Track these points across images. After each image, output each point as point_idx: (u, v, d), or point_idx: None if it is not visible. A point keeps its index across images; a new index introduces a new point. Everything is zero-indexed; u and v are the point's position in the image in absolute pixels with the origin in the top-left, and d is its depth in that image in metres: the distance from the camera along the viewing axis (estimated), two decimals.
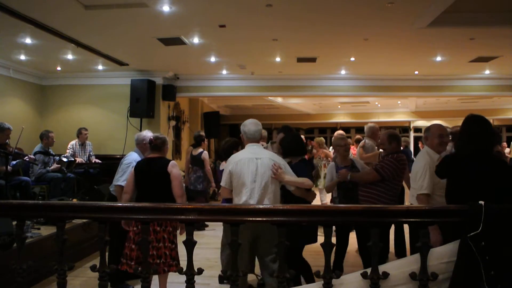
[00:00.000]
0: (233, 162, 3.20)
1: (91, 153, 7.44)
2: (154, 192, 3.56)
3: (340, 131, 7.46)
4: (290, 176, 3.19)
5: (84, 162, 7.20)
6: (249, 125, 3.30)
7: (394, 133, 4.06)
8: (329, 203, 7.03)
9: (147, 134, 4.17)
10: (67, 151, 7.18)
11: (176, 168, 3.64)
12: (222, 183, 3.26)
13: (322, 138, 8.04)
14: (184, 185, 7.38)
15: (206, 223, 6.93)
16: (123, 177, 4.01)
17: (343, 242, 4.16)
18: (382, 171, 3.82)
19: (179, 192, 3.58)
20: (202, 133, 7.30)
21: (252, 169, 3.12)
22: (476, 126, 2.59)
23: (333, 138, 7.23)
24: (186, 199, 7.29)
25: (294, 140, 3.73)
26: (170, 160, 3.72)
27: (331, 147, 7.70)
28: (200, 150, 6.88)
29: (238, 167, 3.15)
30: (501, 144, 10.98)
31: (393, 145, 3.96)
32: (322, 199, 7.72)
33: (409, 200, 3.85)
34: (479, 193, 2.30)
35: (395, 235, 4.93)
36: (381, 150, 4.70)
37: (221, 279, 4.32)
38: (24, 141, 6.89)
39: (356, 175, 3.99)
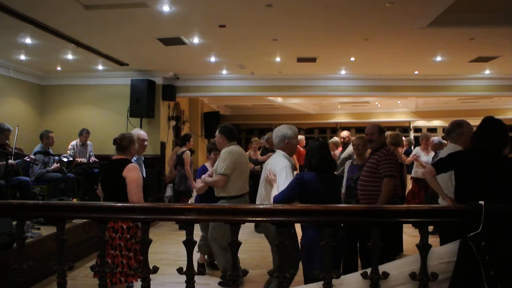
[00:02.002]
0: None
1: (91, 153, 7.44)
2: (111, 196, 3.31)
3: (346, 132, 7.33)
4: (274, 187, 3.15)
5: (85, 162, 7.21)
6: (273, 132, 3.54)
7: (382, 126, 4.07)
8: None
9: (137, 132, 4.01)
10: (68, 151, 7.18)
11: (133, 172, 3.22)
12: None
13: (336, 139, 7.33)
14: (170, 185, 7.32)
15: None
16: None
17: (351, 243, 4.15)
18: (393, 172, 3.75)
19: (133, 197, 3.16)
20: (189, 133, 7.31)
21: (261, 177, 3.45)
22: (483, 127, 2.62)
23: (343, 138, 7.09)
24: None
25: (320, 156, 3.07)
26: (129, 163, 3.31)
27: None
28: (183, 149, 6.89)
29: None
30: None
31: (381, 137, 3.96)
32: None
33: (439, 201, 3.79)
34: (485, 191, 2.30)
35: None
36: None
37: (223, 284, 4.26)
38: (24, 141, 6.89)
39: (381, 199, 3.72)
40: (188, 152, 6.91)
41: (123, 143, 3.34)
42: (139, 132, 4.07)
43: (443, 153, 3.48)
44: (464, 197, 2.48)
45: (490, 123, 2.65)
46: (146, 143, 4.21)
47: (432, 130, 16.88)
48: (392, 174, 3.73)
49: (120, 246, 3.10)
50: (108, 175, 3.40)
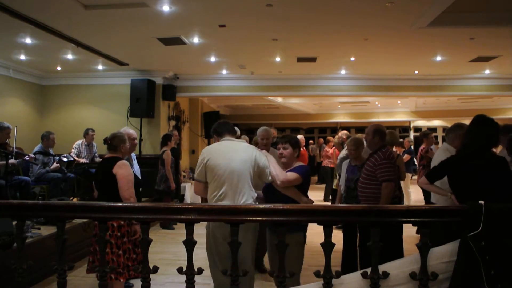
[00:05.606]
0: None
1: (95, 154, 7.37)
2: (103, 194, 3.33)
3: (345, 131, 7.34)
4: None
5: (86, 162, 7.16)
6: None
7: (380, 128, 3.95)
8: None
9: (126, 131, 3.95)
10: (72, 150, 7.14)
11: (123, 168, 3.23)
12: None
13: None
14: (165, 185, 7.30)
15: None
16: None
17: (351, 243, 4.15)
18: (390, 176, 3.71)
19: (124, 194, 3.18)
20: (170, 133, 7.33)
21: None
22: (474, 125, 2.63)
23: (338, 138, 7.10)
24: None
25: None
26: (119, 160, 3.31)
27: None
28: (164, 149, 6.87)
29: None
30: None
31: (376, 139, 3.86)
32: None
33: (432, 199, 3.81)
34: (479, 191, 2.31)
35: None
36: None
37: None
38: (24, 141, 6.89)
39: (382, 202, 3.70)
40: (169, 151, 6.87)
41: (114, 142, 3.36)
42: (128, 131, 4.02)
43: (437, 153, 3.50)
44: (462, 198, 2.49)
45: (480, 121, 2.65)
46: (136, 141, 4.22)
47: (432, 129, 16.91)
48: (389, 178, 3.69)
49: (110, 243, 3.10)
50: (100, 174, 3.43)
